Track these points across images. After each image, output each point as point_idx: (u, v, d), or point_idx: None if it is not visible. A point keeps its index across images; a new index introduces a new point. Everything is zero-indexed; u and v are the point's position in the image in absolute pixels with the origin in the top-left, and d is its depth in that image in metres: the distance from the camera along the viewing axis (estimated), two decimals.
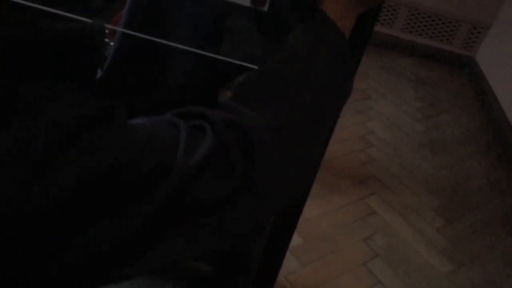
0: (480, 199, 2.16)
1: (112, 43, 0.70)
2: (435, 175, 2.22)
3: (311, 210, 1.86)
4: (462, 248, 1.88)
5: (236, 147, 0.42)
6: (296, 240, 1.72)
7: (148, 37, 0.59)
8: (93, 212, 0.33)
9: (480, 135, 2.59)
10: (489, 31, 3.02)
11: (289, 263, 1.63)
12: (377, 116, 2.54)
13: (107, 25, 0.69)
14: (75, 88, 0.34)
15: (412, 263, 1.76)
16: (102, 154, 0.33)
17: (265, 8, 0.63)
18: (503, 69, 2.77)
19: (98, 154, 0.33)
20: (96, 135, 0.33)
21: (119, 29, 0.64)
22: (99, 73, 0.69)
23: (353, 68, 0.59)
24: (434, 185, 2.16)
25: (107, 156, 0.33)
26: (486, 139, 2.57)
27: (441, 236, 1.91)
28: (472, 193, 2.18)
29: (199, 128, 0.42)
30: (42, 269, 0.33)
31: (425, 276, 1.72)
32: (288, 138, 0.47)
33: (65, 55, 0.33)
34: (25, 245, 0.31)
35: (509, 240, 1.97)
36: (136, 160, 0.35)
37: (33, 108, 0.31)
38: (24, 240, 0.31)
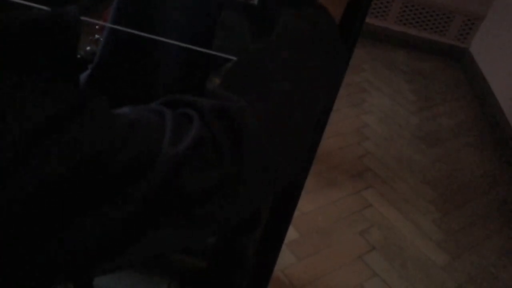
0: (475, 190, 2.16)
1: (101, 39, 0.69)
2: (430, 167, 2.23)
3: (307, 204, 1.86)
4: (458, 240, 1.89)
5: (223, 135, 0.41)
6: (292, 234, 1.72)
7: (135, 32, 0.59)
8: (76, 203, 0.33)
9: (474, 127, 2.60)
10: (483, 22, 3.02)
11: (286, 257, 1.63)
12: (372, 109, 2.54)
13: (96, 21, 0.69)
14: (52, 78, 0.33)
15: (409, 256, 1.77)
16: (81, 144, 0.32)
17: (255, 1, 0.62)
18: (497, 60, 2.77)
19: (77, 144, 0.32)
20: (74, 125, 0.32)
21: (108, 24, 0.64)
22: (89, 69, 0.69)
23: (344, 56, 0.58)
24: (429, 177, 2.17)
25: (86, 145, 0.33)
26: (480, 131, 2.58)
27: (437, 228, 1.91)
28: (467, 184, 2.18)
29: (185, 116, 0.41)
30: (29, 261, 0.32)
31: (421, 268, 1.73)
32: (277, 124, 0.46)
33: (37, 44, 0.32)
34: (9, 236, 0.31)
35: (505, 231, 1.98)
36: (117, 148, 0.34)
37: (7, 99, 0.30)
38: (7, 231, 0.31)
